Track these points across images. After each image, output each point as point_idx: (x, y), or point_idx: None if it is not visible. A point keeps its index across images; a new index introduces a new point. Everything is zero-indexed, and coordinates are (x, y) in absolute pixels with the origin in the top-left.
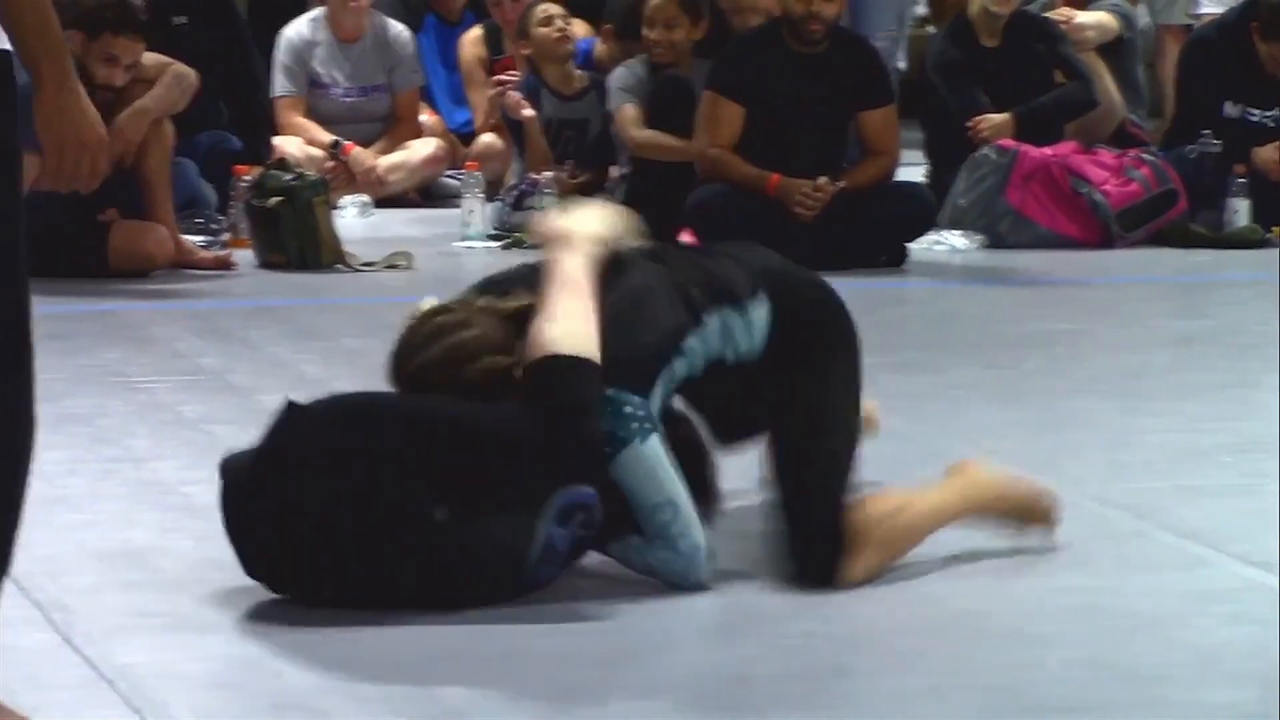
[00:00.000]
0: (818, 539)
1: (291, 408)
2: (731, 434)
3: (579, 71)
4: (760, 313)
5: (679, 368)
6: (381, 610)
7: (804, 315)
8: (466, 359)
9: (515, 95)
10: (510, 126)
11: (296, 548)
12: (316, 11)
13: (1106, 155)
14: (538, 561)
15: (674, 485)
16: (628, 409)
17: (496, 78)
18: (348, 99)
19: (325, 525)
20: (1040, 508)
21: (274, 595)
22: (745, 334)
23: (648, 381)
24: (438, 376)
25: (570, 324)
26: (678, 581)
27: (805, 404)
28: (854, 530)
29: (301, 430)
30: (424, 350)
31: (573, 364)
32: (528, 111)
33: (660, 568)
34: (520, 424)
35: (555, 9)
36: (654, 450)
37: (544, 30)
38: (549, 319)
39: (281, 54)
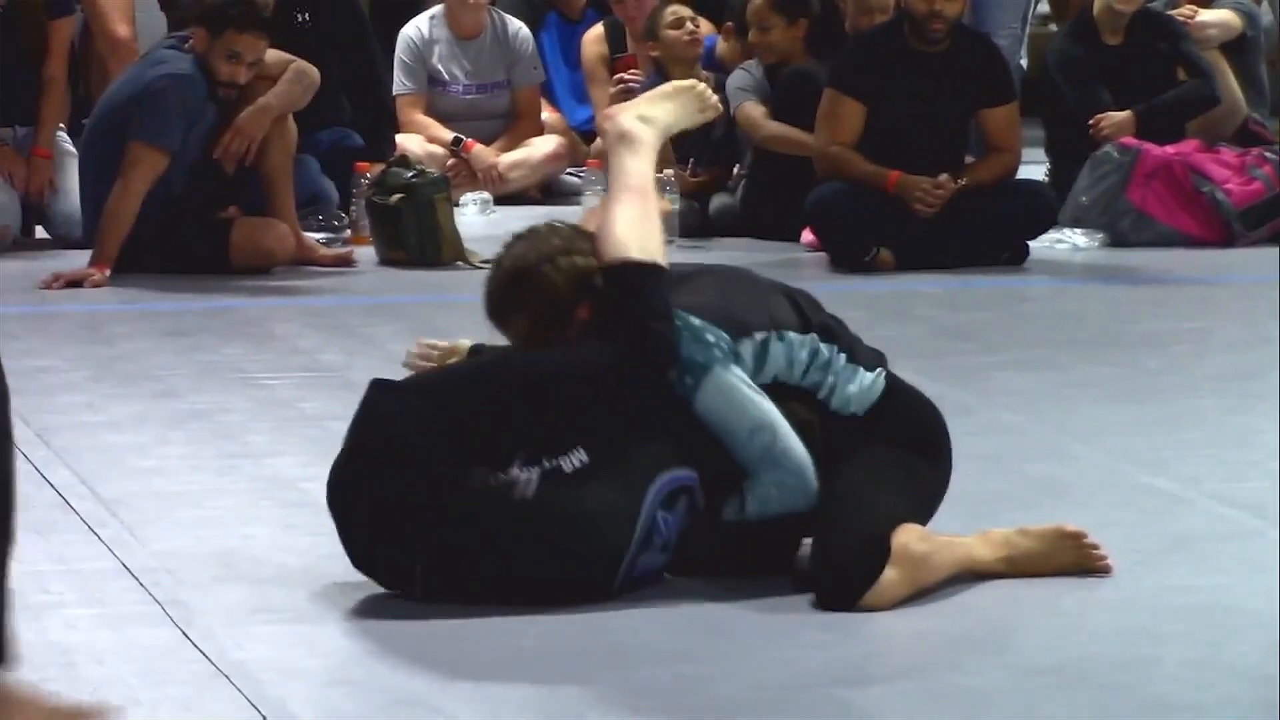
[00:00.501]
0: (843, 567)
1: (374, 387)
2: None
3: (705, 74)
4: (870, 380)
5: (775, 351)
6: (486, 604)
7: (907, 412)
8: (550, 258)
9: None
10: None
11: (383, 533)
12: (435, 9)
13: (1229, 153)
14: (642, 546)
15: (766, 407)
16: (709, 336)
17: (618, 75)
18: (467, 96)
19: (407, 505)
20: (1068, 534)
21: (389, 591)
22: (848, 382)
23: (738, 332)
24: (525, 284)
25: (636, 227)
26: (797, 502)
27: (859, 471)
28: (888, 555)
29: (381, 410)
30: (510, 260)
31: (642, 270)
32: None
33: (776, 495)
34: (598, 357)
35: (685, 11)
36: (738, 376)
37: (674, 33)
38: (615, 220)
39: (401, 51)
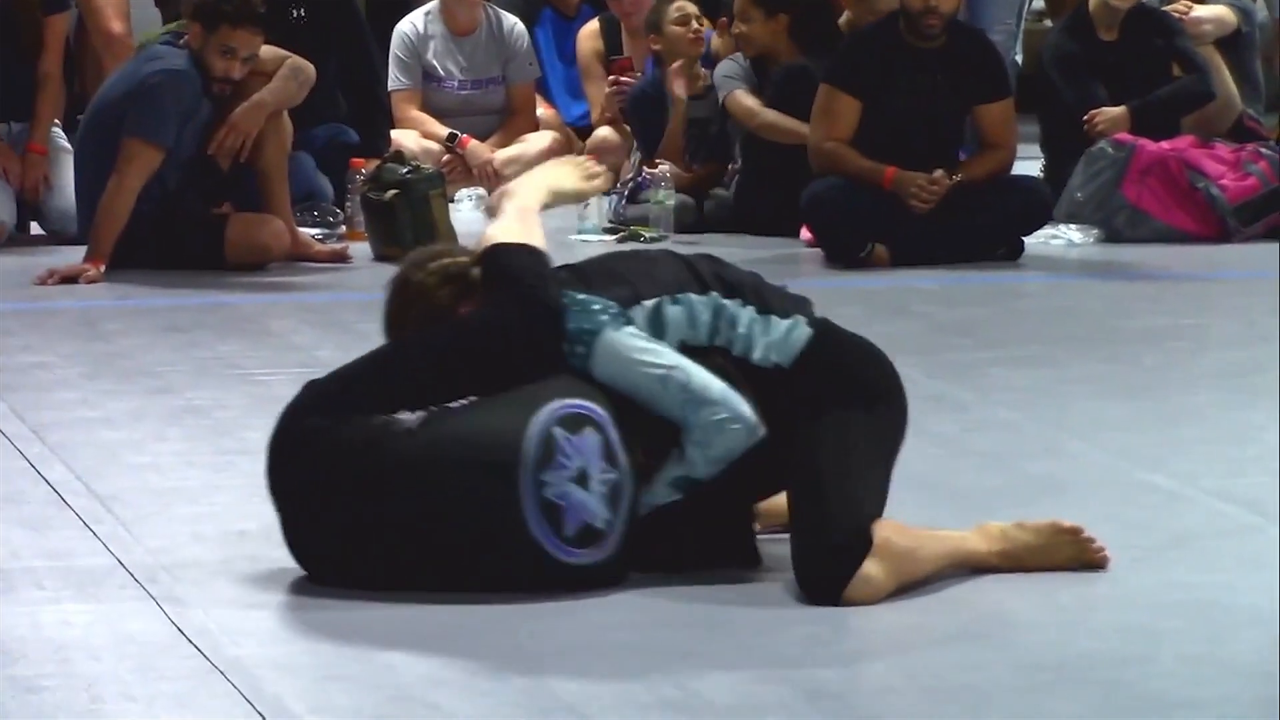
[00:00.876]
0: (828, 553)
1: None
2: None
3: (704, 70)
4: (785, 328)
5: (672, 314)
6: (479, 599)
7: (840, 358)
8: (420, 265)
9: (681, 69)
10: (632, 118)
11: (302, 519)
12: (430, 5)
13: (1224, 149)
14: (542, 461)
15: (666, 352)
16: (595, 306)
17: (613, 77)
18: (462, 92)
19: (301, 480)
20: (1065, 529)
21: (386, 588)
22: (762, 334)
23: (628, 301)
24: (400, 296)
25: (514, 230)
26: (737, 439)
27: (827, 450)
28: (870, 547)
29: (289, 413)
30: (388, 283)
31: (520, 247)
32: (680, 90)
33: (715, 433)
34: (489, 324)
35: (691, 8)
36: (629, 333)
37: (679, 29)
38: (492, 231)
39: (396, 47)
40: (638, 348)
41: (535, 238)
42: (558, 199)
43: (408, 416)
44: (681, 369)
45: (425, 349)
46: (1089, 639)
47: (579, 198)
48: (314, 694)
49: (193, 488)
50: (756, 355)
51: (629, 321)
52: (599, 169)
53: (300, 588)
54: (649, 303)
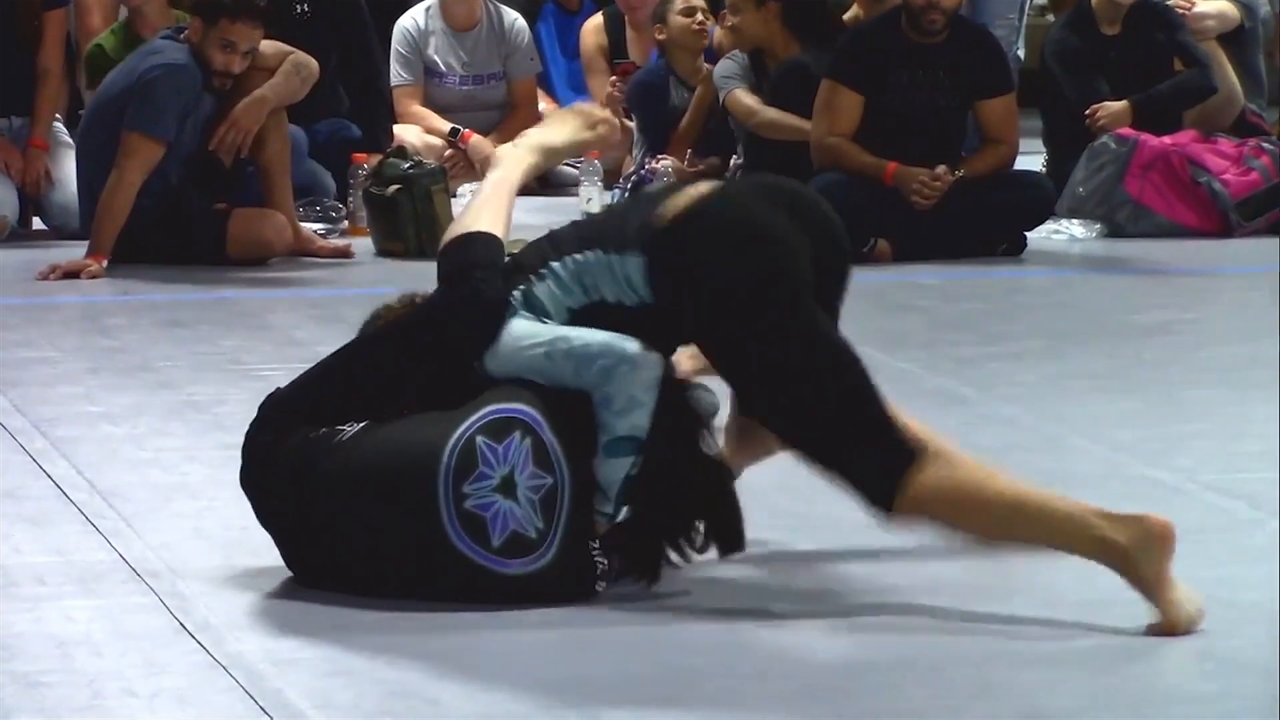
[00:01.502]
0: (867, 476)
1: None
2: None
3: (707, 66)
4: (617, 263)
5: (541, 292)
6: (421, 593)
7: (701, 261)
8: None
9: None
10: (633, 108)
11: (278, 536)
12: (431, 0)
13: (1226, 144)
14: (462, 471)
15: (549, 328)
16: None
17: (614, 78)
18: (464, 87)
19: (271, 501)
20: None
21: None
22: (612, 277)
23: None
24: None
25: (471, 217)
26: (625, 376)
27: (771, 375)
28: (910, 450)
29: (249, 430)
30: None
31: (462, 239)
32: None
33: (605, 382)
34: (422, 309)
35: (698, 1)
36: (515, 323)
37: (684, 20)
38: (454, 225)
39: (397, 43)
40: (522, 334)
41: (499, 219)
42: (552, 157)
43: (349, 428)
44: (561, 338)
45: (372, 350)
46: (1089, 634)
47: (579, 150)
48: (316, 689)
49: (194, 483)
50: (627, 300)
51: (514, 314)
52: (602, 114)
53: (302, 583)
54: (517, 292)
